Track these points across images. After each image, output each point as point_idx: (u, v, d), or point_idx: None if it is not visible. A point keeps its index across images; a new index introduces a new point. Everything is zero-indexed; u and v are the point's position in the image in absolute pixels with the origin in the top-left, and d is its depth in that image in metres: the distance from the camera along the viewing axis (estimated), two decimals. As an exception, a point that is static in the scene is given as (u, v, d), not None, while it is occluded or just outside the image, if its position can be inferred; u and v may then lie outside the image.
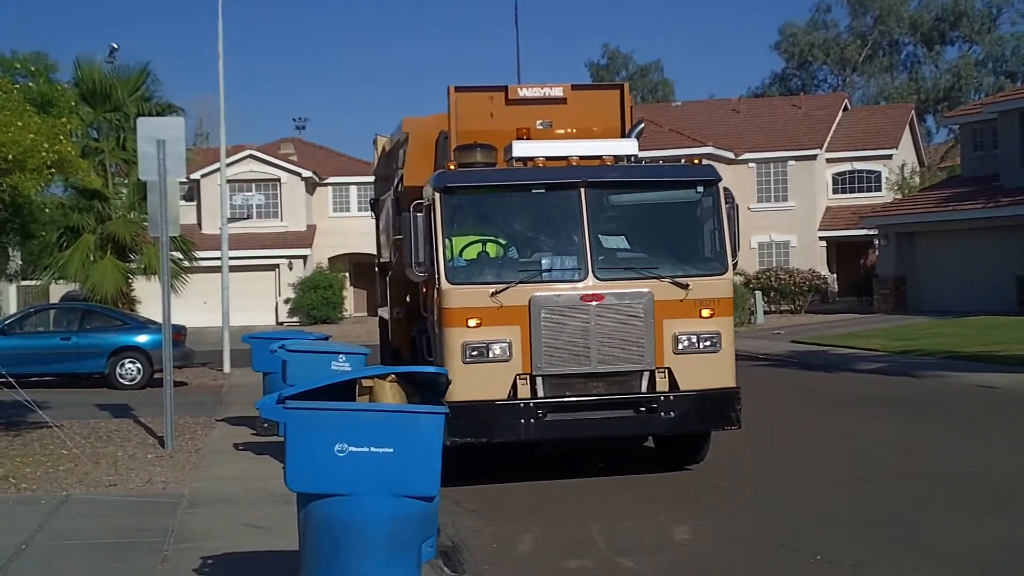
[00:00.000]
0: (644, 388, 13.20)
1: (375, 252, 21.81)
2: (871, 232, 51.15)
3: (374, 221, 21.60)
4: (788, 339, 35.84)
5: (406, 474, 7.54)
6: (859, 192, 59.04)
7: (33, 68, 19.74)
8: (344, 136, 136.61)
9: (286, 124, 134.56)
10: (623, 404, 13.23)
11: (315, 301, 56.70)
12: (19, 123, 15.62)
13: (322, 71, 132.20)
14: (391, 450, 7.52)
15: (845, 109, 63.67)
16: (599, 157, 14.02)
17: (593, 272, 13.15)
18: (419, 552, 7.73)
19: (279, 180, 59.91)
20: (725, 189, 13.87)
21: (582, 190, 13.38)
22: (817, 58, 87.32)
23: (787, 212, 56.87)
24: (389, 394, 8.06)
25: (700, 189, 13.89)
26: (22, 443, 17.13)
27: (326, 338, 19.18)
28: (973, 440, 16.43)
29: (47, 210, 20.03)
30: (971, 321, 37.51)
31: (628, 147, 14.27)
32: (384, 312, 16.91)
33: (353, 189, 62.02)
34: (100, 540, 10.97)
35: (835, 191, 59.26)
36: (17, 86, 17.84)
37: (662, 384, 13.19)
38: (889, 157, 59.10)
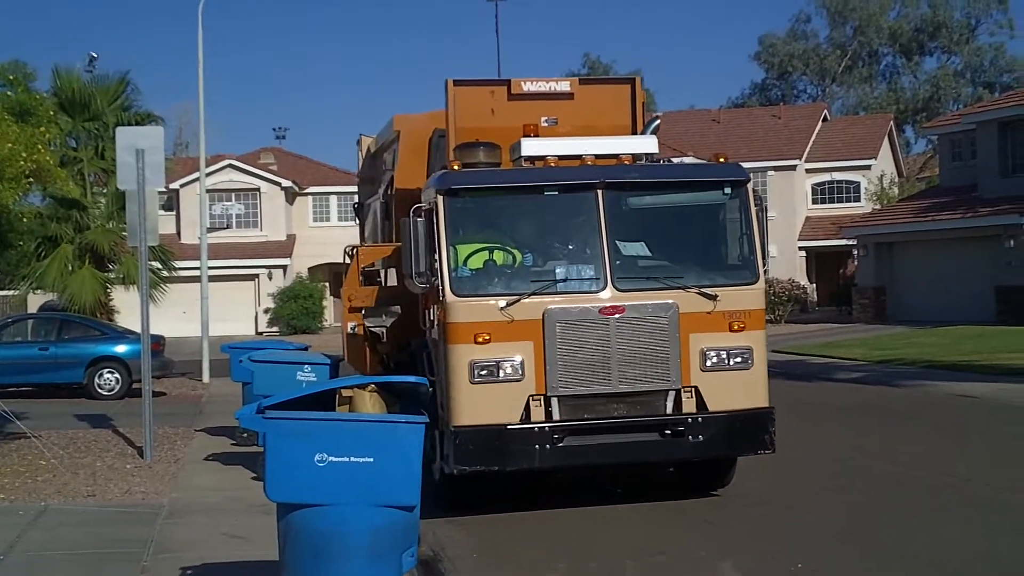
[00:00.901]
0: (669, 409, 12.13)
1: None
2: (850, 242, 51.29)
3: (358, 227, 20.80)
4: (768, 349, 35.87)
5: (386, 484, 7.51)
6: (838, 202, 59.23)
7: (11, 77, 19.69)
8: (324, 146, 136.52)
9: (266, 134, 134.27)
10: (647, 427, 12.16)
11: (295, 311, 56.63)
12: (-3, 132, 15.57)
13: (302, 81, 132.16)
14: (371, 460, 7.50)
15: (824, 119, 63.89)
16: (616, 156, 12.90)
17: (612, 282, 12.10)
18: (400, 562, 7.71)
19: (259, 190, 59.81)
20: (754, 190, 12.92)
21: (599, 192, 12.31)
22: (797, 68, 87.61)
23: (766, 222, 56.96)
24: (369, 404, 8.02)
25: (728, 190, 12.84)
26: (0, 454, 17.03)
27: (306, 348, 19.07)
28: (954, 449, 16.45)
29: (25, 220, 19.95)
30: (950, 330, 37.62)
31: (647, 145, 13.17)
32: (370, 323, 16.10)
33: (333, 199, 61.99)
34: (79, 551, 10.91)
35: (814, 201, 59.44)
36: (-5, 95, 17.79)
37: (689, 405, 12.15)
38: (868, 167, 59.31)
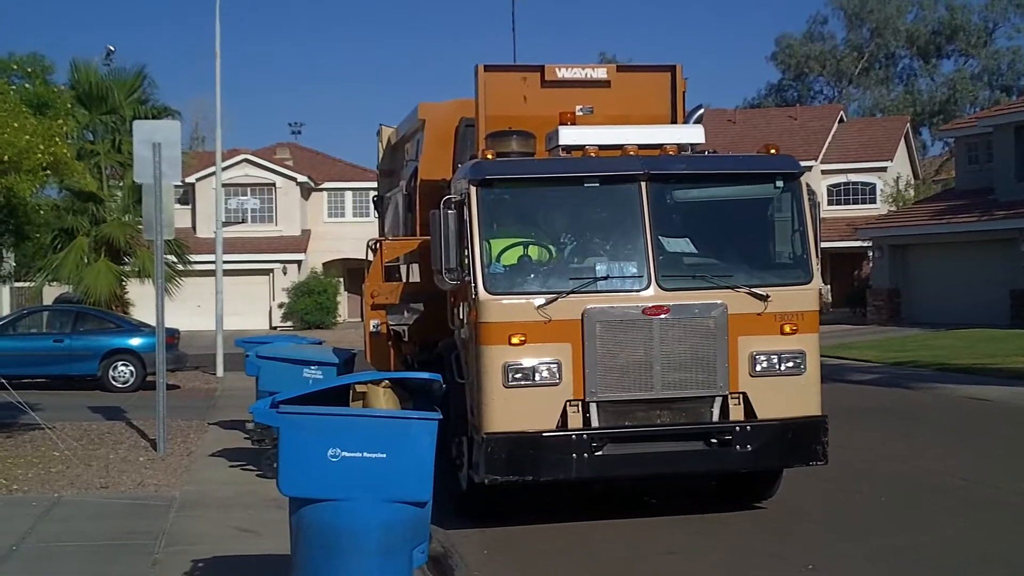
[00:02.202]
0: (716, 417, 11.41)
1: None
2: (865, 244, 51.24)
3: (377, 221, 20.16)
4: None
5: (398, 480, 7.53)
6: (854, 204, 59.18)
7: (29, 70, 19.74)
8: (340, 141, 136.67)
9: (282, 129, 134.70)
10: (692, 436, 11.44)
11: (309, 306, 56.73)
12: (15, 124, 15.60)
13: (318, 76, 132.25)
14: (384, 455, 7.52)
15: (841, 121, 63.83)
16: (660, 146, 12.07)
17: (656, 281, 11.32)
18: (411, 558, 7.72)
19: (274, 185, 59.94)
20: (807, 184, 12.12)
21: (643, 184, 11.53)
22: (813, 70, 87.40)
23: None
24: (383, 400, 8.04)
25: (779, 183, 12.03)
26: (13, 444, 17.10)
27: (320, 343, 19.08)
28: (966, 452, 16.43)
29: (42, 212, 19.99)
30: (964, 333, 37.54)
31: (694, 134, 12.45)
32: (392, 322, 15.54)
33: (348, 194, 62.09)
34: (91, 542, 10.96)
35: (830, 202, 59.31)
36: (13, 87, 17.85)
37: (736, 412, 11.42)
38: (884, 169, 59.26)
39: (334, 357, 15.49)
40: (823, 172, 59.14)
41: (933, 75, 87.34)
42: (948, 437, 18.14)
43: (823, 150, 59.49)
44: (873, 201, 58.76)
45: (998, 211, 42.38)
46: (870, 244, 50.12)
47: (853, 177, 59.70)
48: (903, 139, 62.09)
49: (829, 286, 57.66)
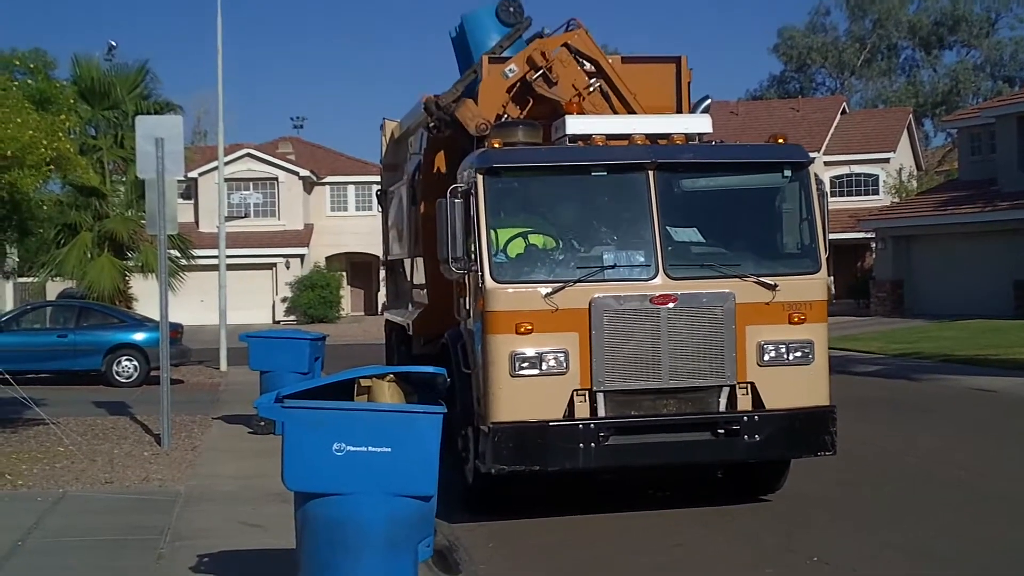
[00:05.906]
0: (723, 407, 11.40)
1: (376, 249, 20.60)
2: (869, 235, 51.18)
3: (381, 215, 20.18)
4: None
5: (404, 474, 7.53)
6: (857, 195, 59.10)
7: (32, 65, 19.71)
8: (342, 136, 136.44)
9: (284, 123, 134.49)
10: (699, 426, 11.42)
11: (312, 300, 56.70)
12: (18, 120, 15.59)
13: (321, 70, 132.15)
14: (389, 450, 7.52)
15: (843, 112, 63.72)
16: (668, 135, 12.05)
17: (664, 270, 11.31)
18: (416, 551, 7.72)
19: (277, 179, 59.88)
20: (815, 174, 12.19)
21: (651, 173, 11.50)
22: (815, 61, 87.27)
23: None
24: (387, 394, 8.04)
25: (787, 172, 12.05)
26: (18, 440, 17.10)
27: (323, 338, 19.06)
28: (971, 444, 16.42)
29: (45, 207, 19.99)
30: (968, 325, 37.50)
31: (701, 124, 12.41)
32: (394, 315, 15.14)
33: (351, 188, 62.01)
34: (96, 537, 10.96)
35: (833, 194, 59.18)
36: (16, 83, 17.81)
37: (744, 402, 11.40)
38: (887, 161, 59.18)
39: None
40: (826, 164, 59.02)
41: (935, 66, 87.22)
42: (954, 428, 18.13)
43: (826, 142, 59.40)
44: (876, 192, 58.71)
45: (1001, 202, 42.27)
46: (873, 235, 50.05)
47: (856, 168, 59.62)
48: (906, 130, 62.03)
49: (832, 277, 57.59)
